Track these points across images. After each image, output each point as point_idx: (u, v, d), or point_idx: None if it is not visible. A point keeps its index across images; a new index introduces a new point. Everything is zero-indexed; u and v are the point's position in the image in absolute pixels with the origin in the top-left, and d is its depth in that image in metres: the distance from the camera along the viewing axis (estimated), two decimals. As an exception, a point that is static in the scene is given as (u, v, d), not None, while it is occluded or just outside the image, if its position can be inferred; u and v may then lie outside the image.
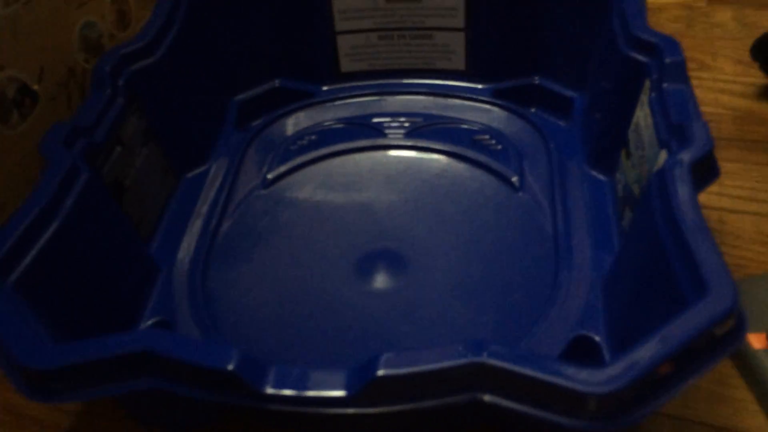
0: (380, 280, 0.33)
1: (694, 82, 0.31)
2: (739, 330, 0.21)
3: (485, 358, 0.20)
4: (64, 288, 0.27)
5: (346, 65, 0.43)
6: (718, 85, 0.45)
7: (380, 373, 0.21)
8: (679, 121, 0.28)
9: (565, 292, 0.30)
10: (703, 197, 0.25)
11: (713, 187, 0.37)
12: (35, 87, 0.35)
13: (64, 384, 0.22)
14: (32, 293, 0.25)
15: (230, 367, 0.21)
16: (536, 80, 0.42)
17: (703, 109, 0.30)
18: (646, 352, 0.20)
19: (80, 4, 0.38)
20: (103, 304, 0.30)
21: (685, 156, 0.26)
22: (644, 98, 0.32)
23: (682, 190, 0.25)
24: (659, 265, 0.24)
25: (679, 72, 0.30)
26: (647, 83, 0.31)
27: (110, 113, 0.33)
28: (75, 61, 0.38)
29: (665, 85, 0.30)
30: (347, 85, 0.44)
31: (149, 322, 0.31)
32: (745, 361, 0.30)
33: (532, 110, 0.41)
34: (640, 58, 0.32)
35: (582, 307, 0.30)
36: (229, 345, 0.22)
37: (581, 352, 0.28)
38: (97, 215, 0.30)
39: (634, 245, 0.28)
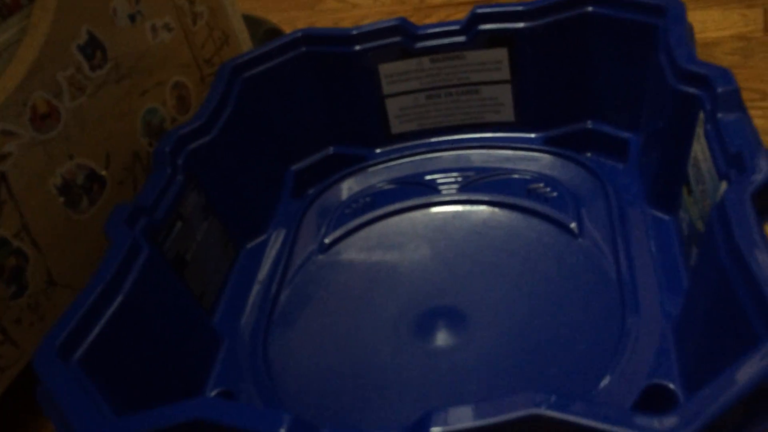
0: (441, 338, 0.32)
1: (757, 113, 0.30)
2: (821, 367, 0.19)
3: (544, 411, 0.19)
4: (129, 362, 0.28)
5: (396, 127, 0.44)
6: (785, 113, 0.43)
7: (433, 430, 0.20)
8: (737, 150, 0.27)
9: (634, 339, 0.29)
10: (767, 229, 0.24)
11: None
12: (103, 173, 0.38)
13: (124, 457, 0.22)
14: (97, 369, 0.26)
15: (282, 431, 0.21)
16: (588, 124, 0.41)
17: (765, 138, 0.28)
18: (715, 396, 0.18)
19: (143, 92, 0.40)
20: (167, 377, 0.30)
21: (746, 186, 0.25)
22: (700, 131, 0.30)
23: (745, 222, 0.23)
24: (728, 303, 0.23)
25: (734, 101, 0.29)
26: (701, 116, 0.30)
27: (170, 191, 0.35)
28: (139, 146, 0.40)
29: (720, 115, 0.29)
30: (398, 146, 0.44)
31: (212, 393, 0.32)
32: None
33: (587, 155, 0.41)
34: (692, 90, 0.31)
35: (654, 354, 0.28)
36: (281, 410, 0.22)
37: (656, 401, 0.27)
38: (159, 290, 0.31)
39: (702, 284, 0.26)
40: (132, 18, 0.39)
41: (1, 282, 0.32)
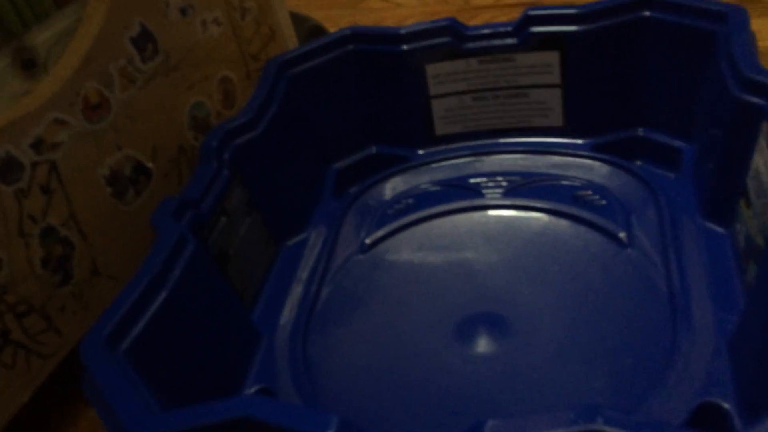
0: (482, 344, 0.32)
1: (817, 124, 0.29)
2: None
3: (602, 426, 0.19)
4: (172, 356, 0.28)
5: (440, 128, 0.44)
6: None
7: (485, 442, 0.19)
8: (803, 164, 0.26)
9: (685, 354, 0.28)
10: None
11: None
12: (149, 165, 0.38)
13: (168, 451, 0.22)
14: (142, 361, 0.26)
15: (329, 435, 0.20)
16: (640, 132, 0.40)
17: (831, 151, 0.27)
18: (785, 420, 0.17)
19: (190, 86, 0.40)
20: (208, 372, 0.30)
21: (814, 201, 0.24)
22: (763, 143, 0.29)
23: (814, 239, 0.22)
24: (793, 322, 0.22)
25: (800, 113, 0.28)
26: (765, 127, 0.29)
27: (216, 186, 0.35)
28: (185, 139, 0.40)
29: (785, 127, 0.28)
30: (442, 147, 0.44)
31: (252, 390, 0.32)
32: None
33: (637, 163, 0.40)
34: (755, 100, 0.30)
35: (706, 371, 0.27)
36: (329, 412, 0.21)
37: (708, 422, 0.26)
38: (203, 284, 0.31)
39: (762, 301, 0.25)
40: (183, 11, 0.39)
41: (48, 270, 0.32)
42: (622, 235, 0.35)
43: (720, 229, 0.33)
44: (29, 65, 0.35)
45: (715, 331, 0.29)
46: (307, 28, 0.56)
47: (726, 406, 0.26)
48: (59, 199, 0.33)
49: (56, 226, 0.33)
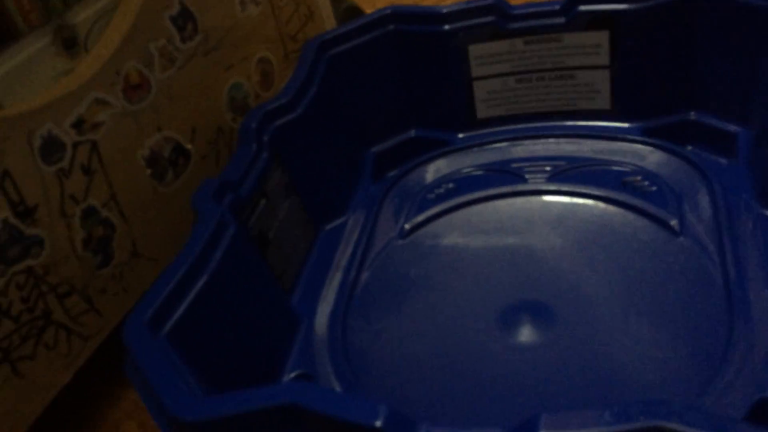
0: (526, 334, 0.31)
1: None
2: None
3: (665, 422, 0.18)
4: (212, 340, 0.28)
5: (482, 111, 0.42)
6: None
7: (542, 435, 0.19)
8: None
9: (743, 348, 0.27)
10: None
11: None
12: (188, 146, 0.37)
13: (212, 436, 0.22)
14: (183, 345, 0.26)
15: (378, 423, 0.20)
16: (692, 116, 0.38)
17: None
18: None
19: (228, 67, 0.40)
20: (248, 357, 0.30)
21: None
22: (828, 127, 0.28)
23: None
24: None
25: None
26: (831, 110, 0.28)
27: (256, 168, 0.34)
28: (224, 120, 0.40)
29: None
30: (484, 131, 0.43)
31: (291, 375, 0.31)
32: None
33: (689, 148, 0.38)
34: (820, 83, 0.28)
35: (765, 365, 0.26)
36: (376, 401, 0.21)
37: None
38: (243, 267, 0.31)
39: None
40: (222, -10, 0.39)
41: (89, 251, 0.32)
42: (673, 222, 0.33)
43: (779, 218, 0.32)
44: (70, 44, 0.34)
45: (775, 324, 0.27)
46: (344, 9, 0.55)
47: (789, 403, 0.24)
48: (100, 179, 0.32)
49: (97, 207, 0.32)
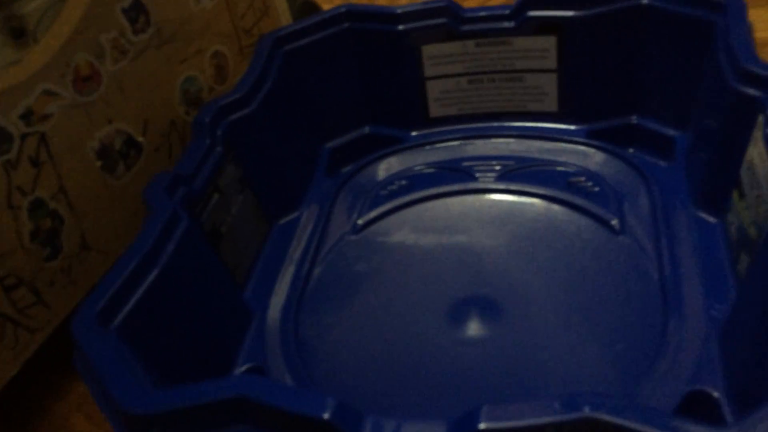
0: (474, 328, 0.32)
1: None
2: None
3: (597, 413, 0.19)
4: (163, 333, 0.28)
5: (435, 110, 0.43)
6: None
7: (482, 426, 0.19)
8: (799, 157, 0.26)
9: (676, 342, 0.28)
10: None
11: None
12: (140, 139, 0.37)
13: (162, 429, 0.22)
14: (134, 338, 0.26)
15: (326, 416, 0.20)
16: (634, 120, 0.40)
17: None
18: (779, 411, 0.18)
19: (182, 60, 0.40)
20: (199, 350, 0.30)
21: (810, 194, 0.24)
22: (758, 135, 0.30)
23: (810, 232, 0.23)
24: (786, 313, 0.22)
25: (797, 106, 0.28)
26: (760, 119, 0.30)
27: (209, 162, 0.34)
28: (177, 114, 0.40)
29: (781, 119, 0.28)
30: (436, 129, 0.43)
31: (243, 368, 0.31)
32: None
33: (630, 150, 0.40)
34: (753, 92, 0.30)
35: (696, 360, 0.27)
36: (325, 393, 0.21)
37: (697, 409, 0.26)
38: (195, 261, 0.31)
39: (754, 292, 0.26)
40: (177, -17, 0.38)
41: (36, 243, 0.32)
42: (614, 222, 0.35)
43: (712, 219, 0.34)
44: (18, 34, 0.34)
45: (705, 320, 0.29)
46: (300, 4, 0.56)
47: (715, 394, 0.26)
48: (48, 171, 0.32)
49: (45, 199, 0.32)
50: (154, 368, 0.26)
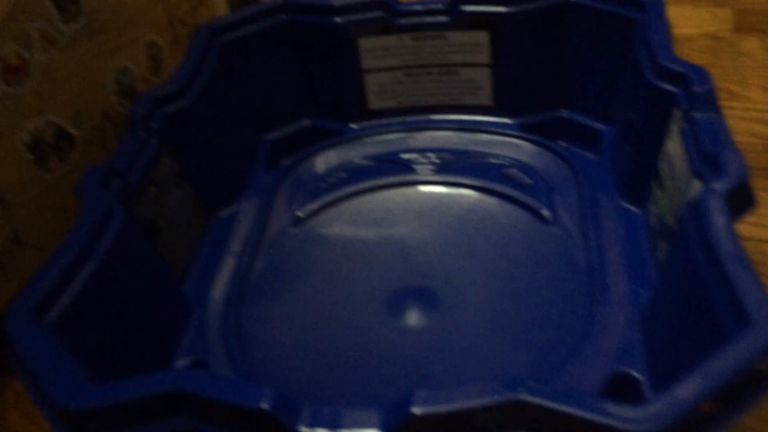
0: (412, 317, 0.33)
1: (726, 112, 0.31)
2: (785, 364, 0.20)
3: (524, 396, 0.20)
4: (100, 328, 0.28)
5: (373, 103, 0.44)
6: (750, 114, 0.44)
7: (415, 411, 0.20)
8: (712, 150, 0.28)
9: (601, 327, 0.30)
10: (741, 228, 0.25)
11: (751, 218, 0.36)
12: (72, 131, 0.36)
13: (99, 424, 0.22)
14: (69, 333, 0.26)
15: (264, 406, 0.21)
16: (563, 113, 0.42)
17: (735, 138, 0.29)
18: (688, 389, 0.19)
19: (115, 50, 0.39)
20: (137, 344, 0.30)
21: (720, 185, 0.26)
22: (674, 128, 0.31)
23: (719, 221, 0.24)
24: (698, 298, 0.24)
25: (710, 101, 0.30)
26: (676, 113, 0.31)
27: (144, 155, 0.34)
28: (110, 105, 0.39)
29: (696, 114, 0.30)
30: (375, 122, 0.44)
31: (183, 362, 0.31)
32: (792, 397, 0.29)
33: (561, 143, 0.41)
34: (669, 88, 0.32)
35: (620, 343, 0.29)
36: (263, 384, 0.22)
37: (621, 390, 0.28)
38: (132, 255, 0.31)
39: (672, 278, 0.27)
40: (109, -28, 0.38)
41: (-36, 239, 0.31)
42: (545, 212, 0.36)
43: (635, 209, 0.35)
44: (-59, 22, 0.33)
45: (629, 305, 0.30)
46: (238, -6, 0.55)
47: (637, 375, 0.28)
48: (-24, 165, 0.31)
49: (-27, 194, 0.31)
50: (90, 363, 0.26)
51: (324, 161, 0.42)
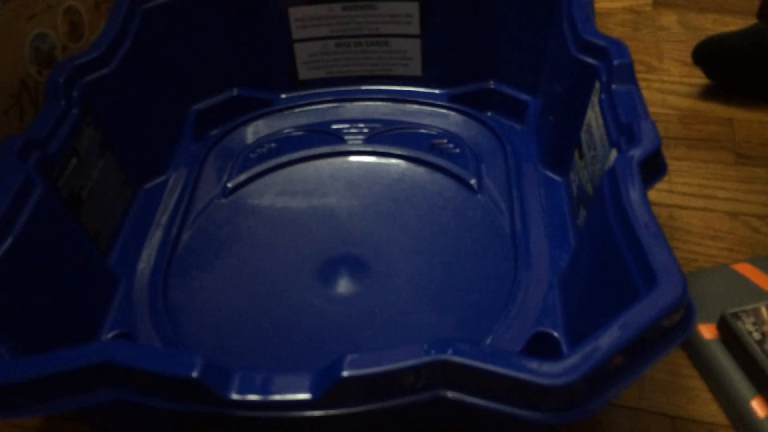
0: (343, 285, 0.33)
1: (642, 84, 0.32)
2: (688, 320, 0.22)
3: (448, 356, 0.21)
4: (22, 302, 0.27)
5: (303, 73, 0.44)
6: (665, 86, 0.46)
7: (345, 374, 0.21)
8: (627, 121, 0.29)
9: (524, 290, 0.31)
10: (653, 195, 0.26)
11: (663, 185, 0.38)
12: (-14, 100, 0.35)
13: (25, 399, 0.22)
14: (-12, 309, 0.25)
15: (194, 374, 0.21)
16: (491, 85, 0.42)
17: (651, 109, 0.31)
18: (600, 343, 0.20)
19: (31, 16, 0.37)
20: (62, 318, 0.29)
21: (634, 154, 0.27)
22: (595, 100, 0.33)
23: (633, 188, 0.25)
24: (612, 260, 0.25)
25: (628, 74, 0.31)
26: (597, 85, 0.32)
27: (65, 125, 0.33)
28: (27, 74, 0.38)
29: (614, 86, 0.31)
30: (305, 92, 0.44)
31: (110, 335, 0.31)
32: (696, 352, 0.31)
33: (488, 114, 0.42)
34: (590, 61, 0.33)
35: (541, 305, 0.30)
36: (192, 353, 0.22)
37: (542, 348, 0.29)
38: (53, 228, 0.30)
39: (588, 242, 0.29)
40: (22, -68, 0.36)
41: None
42: (473, 181, 0.37)
43: (557, 178, 0.37)
44: None
45: (549, 269, 0.32)
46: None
47: (556, 334, 0.29)
48: None
49: None
50: (12, 338, 0.25)
51: (253, 132, 0.42)
